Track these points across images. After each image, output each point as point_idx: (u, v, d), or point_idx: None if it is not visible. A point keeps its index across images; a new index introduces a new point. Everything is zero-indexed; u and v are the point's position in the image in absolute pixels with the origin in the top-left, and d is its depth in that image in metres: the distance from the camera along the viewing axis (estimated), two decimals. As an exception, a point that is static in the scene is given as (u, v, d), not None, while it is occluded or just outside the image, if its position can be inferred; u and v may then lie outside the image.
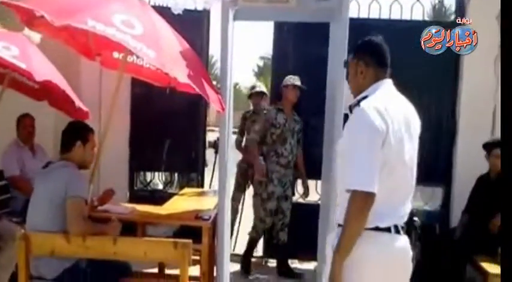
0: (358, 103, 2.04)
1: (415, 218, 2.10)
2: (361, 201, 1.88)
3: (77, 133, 2.85)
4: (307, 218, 3.80)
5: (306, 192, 4.60)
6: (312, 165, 4.16)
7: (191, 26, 4.48)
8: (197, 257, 3.34)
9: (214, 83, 3.81)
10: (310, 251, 3.94)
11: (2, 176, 4.16)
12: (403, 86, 2.00)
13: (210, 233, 3.21)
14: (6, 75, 4.03)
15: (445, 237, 4.26)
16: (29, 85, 4.24)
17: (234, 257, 4.33)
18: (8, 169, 4.16)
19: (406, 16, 4.70)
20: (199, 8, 3.39)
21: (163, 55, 2.63)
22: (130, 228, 3.25)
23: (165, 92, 3.95)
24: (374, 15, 4.78)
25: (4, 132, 4.32)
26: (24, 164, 4.29)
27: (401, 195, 2.05)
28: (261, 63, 35.58)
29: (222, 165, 3.26)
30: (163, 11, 3.28)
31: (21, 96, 4.28)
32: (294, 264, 4.67)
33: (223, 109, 2.99)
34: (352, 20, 3.27)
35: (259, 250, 4.81)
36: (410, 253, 2.04)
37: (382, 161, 1.91)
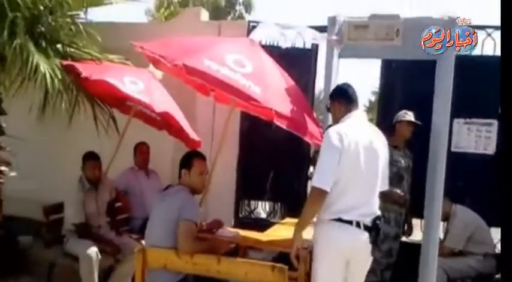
0: (327, 129, 2.84)
1: (378, 222, 2.72)
2: (316, 194, 2.63)
3: (182, 162, 3.10)
4: (409, 256, 3.72)
5: (409, 231, 4.48)
6: (417, 202, 4.04)
7: (299, 61, 4.68)
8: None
9: (321, 117, 3.95)
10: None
11: (120, 198, 4.62)
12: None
13: (307, 261, 3.27)
14: (132, 107, 4.59)
15: None
16: (151, 116, 4.76)
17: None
18: (117, 183, 4.60)
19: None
20: (308, 45, 3.57)
21: (268, 92, 2.85)
22: (233, 251, 3.45)
23: (271, 125, 4.18)
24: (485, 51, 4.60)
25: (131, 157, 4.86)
26: (141, 187, 4.75)
27: (360, 199, 2.69)
28: (373, 98, 34.86)
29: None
30: (272, 49, 3.51)
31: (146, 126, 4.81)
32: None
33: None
34: (458, 56, 3.22)
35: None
36: (365, 246, 2.70)
37: (339, 170, 2.61)
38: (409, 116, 4.27)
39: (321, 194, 2.62)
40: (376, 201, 2.78)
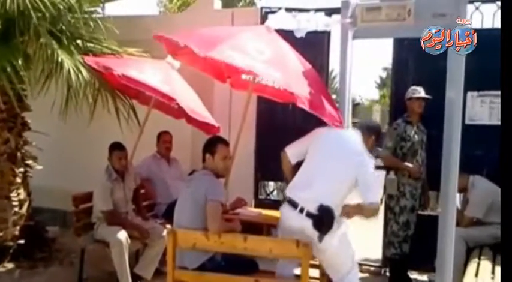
0: None
1: (320, 213, 2.87)
2: (283, 152, 3.20)
3: (205, 147, 3.23)
4: (428, 229, 3.84)
5: (426, 204, 4.59)
6: (433, 176, 4.03)
7: (312, 45, 4.71)
8: (316, 262, 3.48)
9: (334, 96, 4.05)
10: (429, 262, 3.99)
11: (144, 185, 4.74)
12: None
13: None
14: (152, 98, 4.70)
15: None
16: (170, 106, 4.87)
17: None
18: (139, 170, 4.68)
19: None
20: (320, 29, 3.65)
21: (288, 76, 2.96)
22: (257, 230, 3.59)
23: (288, 108, 4.28)
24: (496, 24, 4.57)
25: (151, 146, 4.99)
26: (163, 174, 4.89)
27: (311, 189, 2.95)
28: (383, 75, 34.56)
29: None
30: (287, 34, 3.59)
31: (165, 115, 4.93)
32: (413, 275, 4.67)
33: (340, 123, 3.21)
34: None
35: (375, 259, 4.90)
36: (307, 232, 2.88)
37: (305, 154, 3.13)
38: (418, 92, 4.38)
39: (284, 154, 3.19)
40: (325, 194, 2.93)
